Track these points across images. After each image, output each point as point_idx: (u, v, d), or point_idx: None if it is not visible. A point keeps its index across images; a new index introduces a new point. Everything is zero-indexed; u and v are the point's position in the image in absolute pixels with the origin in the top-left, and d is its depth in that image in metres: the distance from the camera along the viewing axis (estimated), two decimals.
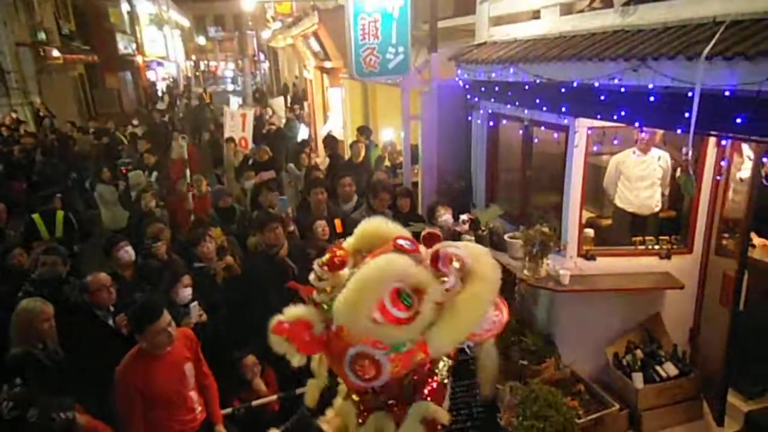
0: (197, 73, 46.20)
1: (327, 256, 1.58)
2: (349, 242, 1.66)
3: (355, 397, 1.62)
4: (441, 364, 1.54)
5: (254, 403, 3.82)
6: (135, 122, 15.49)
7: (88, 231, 7.30)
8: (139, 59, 28.45)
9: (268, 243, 4.77)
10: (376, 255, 1.52)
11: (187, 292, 4.16)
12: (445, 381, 1.60)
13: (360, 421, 1.60)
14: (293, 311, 1.54)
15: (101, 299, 3.97)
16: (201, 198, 7.03)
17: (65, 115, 16.76)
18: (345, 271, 1.52)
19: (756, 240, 4.53)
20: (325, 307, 1.51)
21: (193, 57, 47.02)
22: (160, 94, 30.01)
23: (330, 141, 9.66)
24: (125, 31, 26.80)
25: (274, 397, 3.88)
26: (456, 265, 1.46)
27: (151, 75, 31.21)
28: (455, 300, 1.42)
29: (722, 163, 4.34)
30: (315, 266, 1.57)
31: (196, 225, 5.67)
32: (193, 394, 3.43)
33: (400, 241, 1.52)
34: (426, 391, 1.54)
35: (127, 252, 4.70)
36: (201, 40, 47.59)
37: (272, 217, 4.90)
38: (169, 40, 34.11)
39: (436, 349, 1.43)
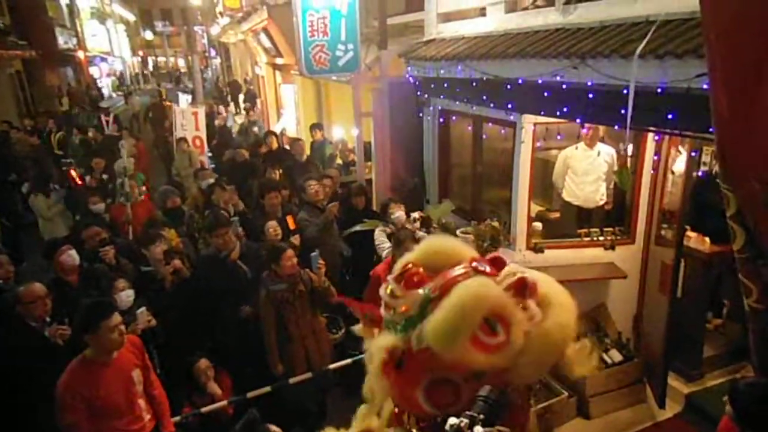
0: (146, 70, 44.67)
1: (400, 271, 1.50)
2: (409, 258, 1.59)
3: (413, 428, 1.54)
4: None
5: (203, 409, 3.73)
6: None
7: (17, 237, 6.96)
8: (80, 54, 27.25)
9: (218, 248, 4.67)
10: (456, 278, 1.45)
11: (125, 296, 4.03)
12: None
13: None
14: (385, 342, 1.44)
15: (35, 311, 3.77)
16: (137, 203, 6.82)
17: (2, 115, 15.85)
18: (420, 291, 1.45)
19: (690, 233, 4.75)
20: (398, 327, 1.44)
21: (140, 53, 45.43)
22: (105, 91, 28.89)
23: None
24: (65, 25, 25.61)
25: (224, 402, 3.81)
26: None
27: (94, 71, 29.95)
28: (542, 328, 1.40)
29: (655, 158, 4.53)
30: (390, 282, 1.51)
31: (149, 225, 5.49)
32: (142, 402, 3.34)
33: (478, 265, 1.48)
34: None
35: (71, 256, 4.53)
36: (148, 35, 45.98)
37: (221, 222, 4.79)
38: (112, 35, 32.84)
39: (524, 377, 1.42)
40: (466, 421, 1.27)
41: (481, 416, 1.28)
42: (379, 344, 1.47)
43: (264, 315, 4.26)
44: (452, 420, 1.28)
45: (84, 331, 3.12)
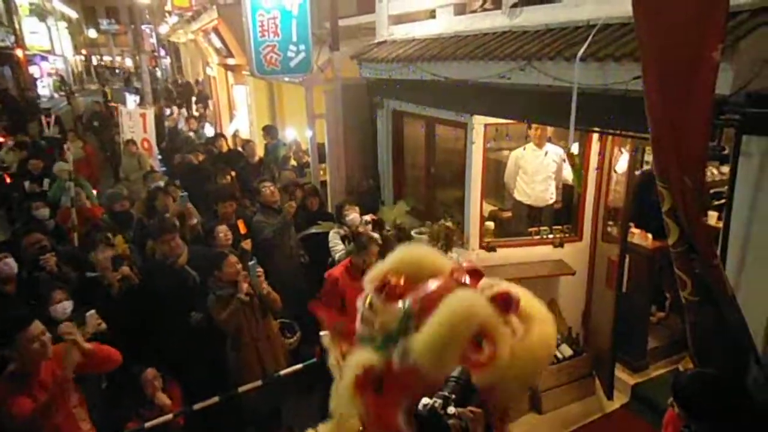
0: (92, 69, 42.93)
1: (381, 282, 1.44)
2: (386, 268, 1.53)
3: None
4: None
5: (147, 424, 3.59)
6: None
7: None
8: (19, 53, 25.93)
9: (164, 254, 4.53)
10: (440, 292, 1.41)
11: (61, 308, 3.84)
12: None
13: None
14: (361, 359, 1.38)
15: None
16: (83, 208, 6.55)
17: None
18: (399, 304, 1.40)
19: (634, 229, 4.94)
20: (376, 344, 1.38)
21: (84, 51, 43.64)
22: (47, 91, 27.62)
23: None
24: (2, 22, 24.32)
25: (170, 416, 3.68)
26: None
27: (35, 71, 28.56)
28: (525, 343, 1.38)
29: (599, 157, 4.69)
30: (370, 294, 1.44)
31: (93, 230, 5.28)
32: (79, 411, 3.20)
33: (459, 277, 1.45)
34: None
35: (7, 264, 4.32)
36: (92, 33, 44.21)
37: (167, 228, 4.65)
38: (54, 33, 31.44)
39: (510, 393, 1.40)
40: (439, 401, 1.25)
41: (453, 396, 1.26)
42: (354, 361, 1.42)
43: (217, 316, 4.17)
44: (425, 400, 1.26)
45: (1, 345, 2.98)
